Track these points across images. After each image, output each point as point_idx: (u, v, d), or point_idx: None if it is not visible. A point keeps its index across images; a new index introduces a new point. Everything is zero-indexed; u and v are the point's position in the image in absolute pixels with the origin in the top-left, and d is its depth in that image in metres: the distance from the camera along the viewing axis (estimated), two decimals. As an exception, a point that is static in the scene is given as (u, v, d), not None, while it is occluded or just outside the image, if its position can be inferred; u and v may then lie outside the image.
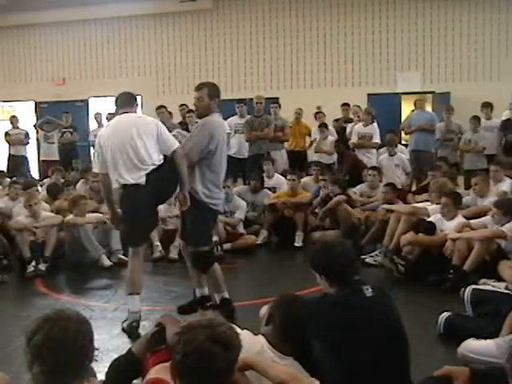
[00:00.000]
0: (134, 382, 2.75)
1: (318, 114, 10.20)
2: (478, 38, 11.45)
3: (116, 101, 4.36)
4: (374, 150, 8.88)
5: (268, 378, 2.20)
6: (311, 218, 7.24)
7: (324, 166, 8.37)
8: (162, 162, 4.10)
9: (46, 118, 11.44)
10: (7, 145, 11.15)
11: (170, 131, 4.44)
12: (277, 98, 10.35)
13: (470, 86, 11.25)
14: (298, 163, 9.27)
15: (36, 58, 14.01)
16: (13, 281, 5.84)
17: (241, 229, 6.98)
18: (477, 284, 4.43)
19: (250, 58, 12.65)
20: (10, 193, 7.26)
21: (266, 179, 7.71)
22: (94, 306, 4.87)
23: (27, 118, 12.79)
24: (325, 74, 12.27)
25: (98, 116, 11.30)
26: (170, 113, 9.25)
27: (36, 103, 13.89)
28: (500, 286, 4.39)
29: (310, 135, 9.97)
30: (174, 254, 6.31)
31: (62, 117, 11.14)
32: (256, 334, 2.57)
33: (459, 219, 5.38)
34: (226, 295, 4.39)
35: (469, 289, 4.04)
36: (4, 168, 10.52)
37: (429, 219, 5.53)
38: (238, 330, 2.14)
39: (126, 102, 4.32)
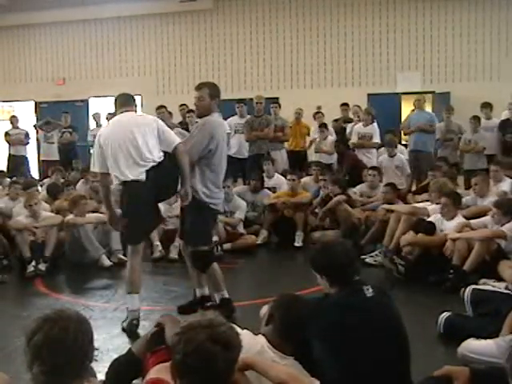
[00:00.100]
0: (133, 382, 2.75)
1: (317, 114, 10.19)
2: (477, 38, 11.45)
3: (115, 101, 4.37)
4: (374, 150, 8.88)
5: (268, 378, 2.19)
6: (311, 218, 7.24)
7: (324, 165, 8.37)
8: (162, 158, 4.10)
9: (47, 118, 11.45)
10: (7, 145, 11.16)
11: (171, 131, 4.45)
12: (277, 98, 10.35)
13: (469, 86, 11.25)
14: (298, 163, 9.26)
15: (36, 57, 14.01)
16: (13, 281, 5.84)
17: (241, 229, 6.98)
18: (477, 284, 4.43)
19: (250, 58, 12.65)
20: (10, 193, 7.26)
21: (266, 179, 7.71)
22: (93, 306, 4.87)
23: (27, 118, 12.80)
24: (325, 73, 12.27)
25: (96, 116, 11.30)
26: (170, 113, 9.25)
27: (36, 103, 13.90)
28: (500, 286, 4.39)
29: (309, 135, 9.97)
30: (174, 254, 6.32)
31: (62, 117, 11.14)
32: (256, 334, 2.57)
33: (459, 219, 5.38)
34: (226, 295, 4.39)
35: (469, 289, 4.04)
36: (4, 168, 10.51)
37: (429, 219, 5.53)
38: (238, 329, 2.14)
39: (126, 101, 4.33)
